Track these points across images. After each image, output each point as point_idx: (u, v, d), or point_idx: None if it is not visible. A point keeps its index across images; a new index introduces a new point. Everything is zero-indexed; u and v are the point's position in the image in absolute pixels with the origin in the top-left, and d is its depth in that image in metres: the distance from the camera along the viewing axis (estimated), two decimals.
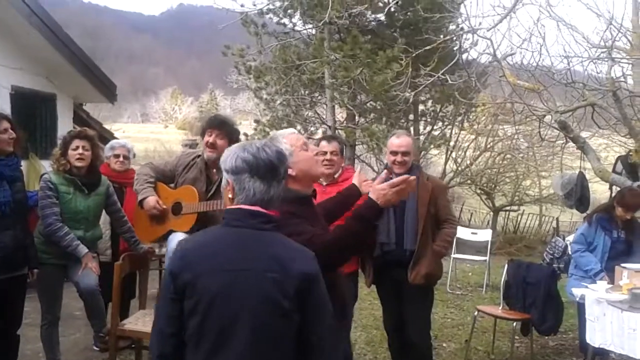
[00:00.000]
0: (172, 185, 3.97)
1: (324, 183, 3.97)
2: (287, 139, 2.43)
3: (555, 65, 6.13)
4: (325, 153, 3.98)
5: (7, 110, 6.86)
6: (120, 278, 3.87)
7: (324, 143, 4.08)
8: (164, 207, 3.77)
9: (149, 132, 47.83)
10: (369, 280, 4.06)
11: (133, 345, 4.41)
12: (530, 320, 4.93)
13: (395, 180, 2.37)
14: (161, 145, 32.70)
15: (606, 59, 5.66)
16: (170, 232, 3.75)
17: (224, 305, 1.76)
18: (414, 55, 7.30)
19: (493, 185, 16.95)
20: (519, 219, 18.56)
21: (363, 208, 2.37)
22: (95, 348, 4.64)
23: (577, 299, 4.31)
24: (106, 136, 8.85)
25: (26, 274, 3.66)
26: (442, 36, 7.64)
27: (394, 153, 3.93)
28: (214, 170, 3.75)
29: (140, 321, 3.93)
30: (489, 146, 15.52)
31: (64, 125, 7.87)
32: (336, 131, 12.38)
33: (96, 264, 3.94)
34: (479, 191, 17.28)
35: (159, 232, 3.91)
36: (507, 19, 6.21)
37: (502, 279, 5.33)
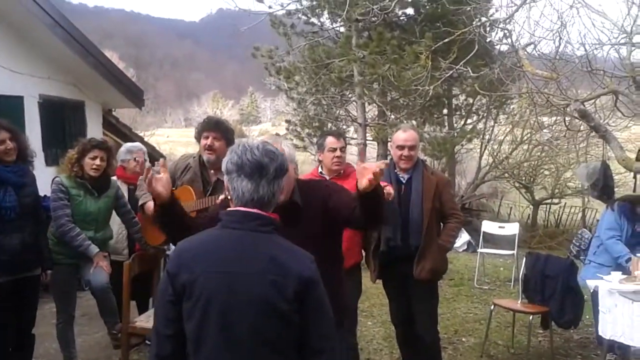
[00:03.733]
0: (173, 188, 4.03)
1: (327, 177, 3.92)
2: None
3: (576, 53, 5.97)
4: (334, 150, 3.88)
5: (36, 118, 7.19)
6: (130, 277, 3.98)
7: (332, 139, 3.93)
8: None
9: (192, 136, 48.34)
10: (374, 276, 4.05)
11: (148, 342, 4.51)
12: (548, 313, 4.82)
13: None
14: None
15: (626, 44, 5.45)
16: None
17: (222, 309, 1.71)
18: (432, 48, 7.21)
19: (532, 179, 16.53)
20: (560, 212, 18.03)
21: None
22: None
23: (592, 290, 4.19)
24: (135, 140, 9.05)
25: (39, 275, 3.80)
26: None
27: (401, 147, 3.90)
28: (212, 171, 3.80)
29: (152, 319, 4.02)
30: (525, 138, 15.19)
31: (94, 130, 8.09)
32: (367, 128, 12.36)
33: (107, 262, 4.06)
34: (517, 185, 16.91)
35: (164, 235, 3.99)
36: (526, 9, 6.09)
37: (521, 272, 5.24)
